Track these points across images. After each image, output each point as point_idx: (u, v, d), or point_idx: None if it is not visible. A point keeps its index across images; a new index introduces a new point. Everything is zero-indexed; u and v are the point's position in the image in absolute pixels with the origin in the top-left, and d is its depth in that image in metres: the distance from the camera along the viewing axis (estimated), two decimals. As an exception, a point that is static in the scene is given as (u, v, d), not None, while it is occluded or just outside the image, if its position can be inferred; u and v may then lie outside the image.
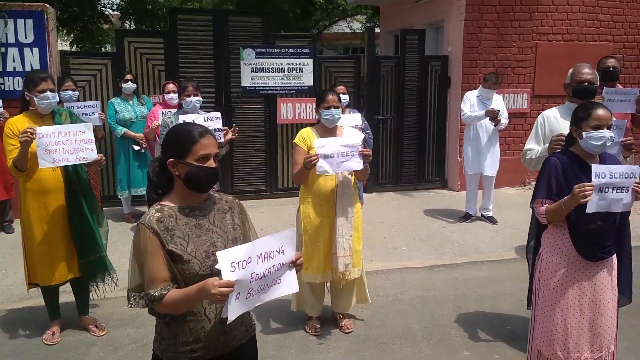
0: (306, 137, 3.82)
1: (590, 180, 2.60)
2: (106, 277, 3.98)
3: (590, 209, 2.62)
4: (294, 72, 7.74)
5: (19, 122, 3.73)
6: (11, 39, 6.61)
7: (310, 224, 3.82)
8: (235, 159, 7.79)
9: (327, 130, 3.84)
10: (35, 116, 3.78)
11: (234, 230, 2.12)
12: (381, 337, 4.00)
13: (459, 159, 7.95)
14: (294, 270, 2.04)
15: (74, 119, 3.99)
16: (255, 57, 7.57)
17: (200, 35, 7.48)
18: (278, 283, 2.00)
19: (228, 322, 1.83)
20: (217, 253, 1.77)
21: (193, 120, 4.20)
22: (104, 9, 12.16)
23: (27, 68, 6.60)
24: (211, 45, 7.52)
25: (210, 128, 4.12)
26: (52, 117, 3.84)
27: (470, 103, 6.58)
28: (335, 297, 4.12)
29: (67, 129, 3.65)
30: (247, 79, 7.61)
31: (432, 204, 7.76)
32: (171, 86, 6.23)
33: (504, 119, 6.51)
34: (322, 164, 3.55)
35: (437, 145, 8.63)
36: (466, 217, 6.90)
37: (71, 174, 3.79)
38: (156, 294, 1.91)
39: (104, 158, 3.88)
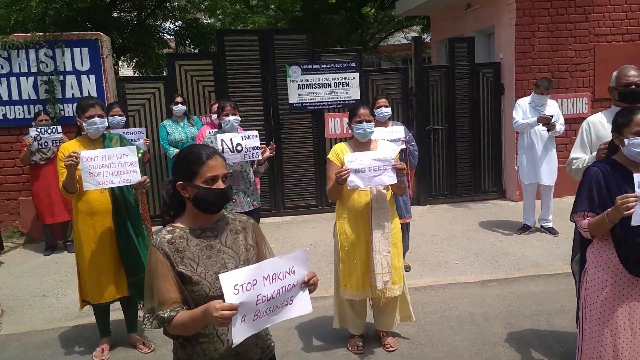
0: (339, 152, 3.77)
1: (634, 191, 2.41)
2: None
3: (635, 221, 2.42)
4: (341, 86, 7.74)
5: (70, 147, 3.87)
6: (69, 67, 6.96)
7: (346, 240, 3.75)
8: (286, 175, 7.86)
9: (361, 144, 3.78)
10: (86, 141, 3.92)
11: (246, 251, 2.10)
12: (426, 356, 3.86)
13: (515, 167, 7.65)
14: (307, 291, 1.99)
15: (124, 143, 4.07)
16: (302, 74, 7.62)
17: (247, 54, 7.62)
18: (290, 304, 1.96)
19: (233, 345, 1.80)
20: (220, 275, 1.75)
21: (231, 139, 4.26)
22: (161, 34, 12.68)
23: (85, 94, 6.90)
24: (258, 64, 7.64)
25: (248, 146, 4.25)
26: (102, 141, 3.96)
27: (522, 110, 6.33)
28: (378, 314, 4.00)
29: (110, 152, 3.73)
30: (294, 96, 7.68)
31: (488, 215, 7.49)
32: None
33: (559, 125, 6.20)
34: (352, 179, 3.48)
35: (493, 154, 8.35)
36: (524, 228, 6.61)
37: (118, 196, 3.89)
38: (165, 315, 1.91)
39: (148, 180, 3.94)
